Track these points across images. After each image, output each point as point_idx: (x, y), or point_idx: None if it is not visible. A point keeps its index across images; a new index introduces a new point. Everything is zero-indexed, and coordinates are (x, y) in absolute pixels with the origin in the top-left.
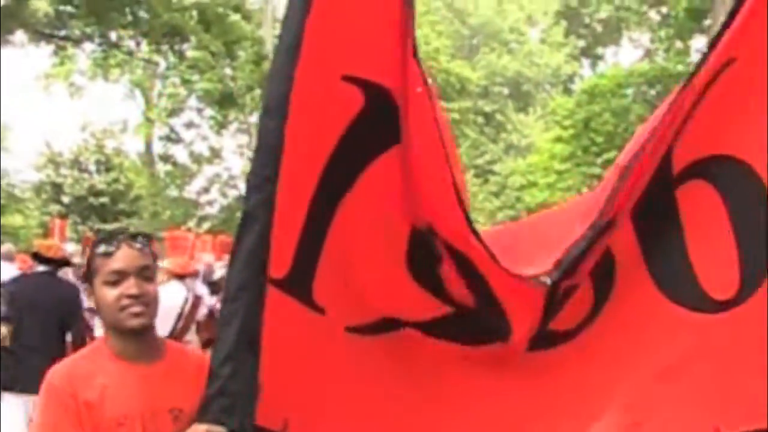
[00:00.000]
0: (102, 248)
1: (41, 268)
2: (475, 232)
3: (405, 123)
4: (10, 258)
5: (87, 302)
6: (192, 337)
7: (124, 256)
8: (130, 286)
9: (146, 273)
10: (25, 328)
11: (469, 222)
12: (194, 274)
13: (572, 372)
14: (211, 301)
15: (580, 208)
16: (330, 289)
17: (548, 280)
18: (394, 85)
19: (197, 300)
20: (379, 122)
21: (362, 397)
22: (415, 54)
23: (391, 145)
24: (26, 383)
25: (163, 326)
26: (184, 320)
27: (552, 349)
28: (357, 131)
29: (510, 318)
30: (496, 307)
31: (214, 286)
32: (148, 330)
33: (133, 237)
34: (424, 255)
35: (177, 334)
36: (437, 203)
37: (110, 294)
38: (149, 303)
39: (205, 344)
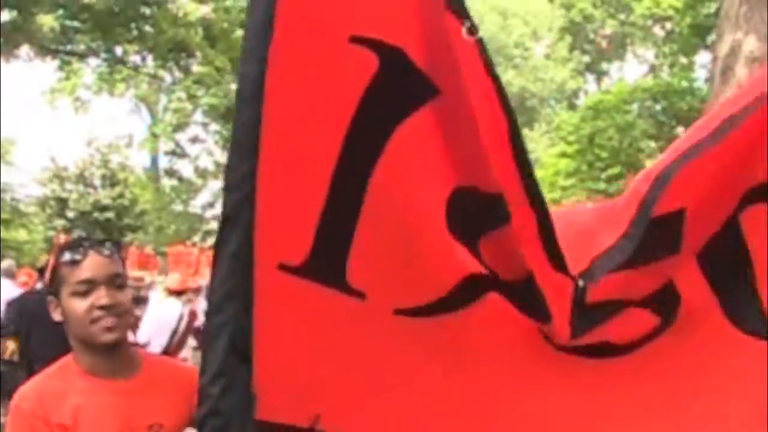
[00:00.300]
0: (68, 256)
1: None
2: (534, 197)
3: (438, 79)
4: (11, 274)
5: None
6: (187, 353)
7: (92, 264)
8: (100, 296)
9: (117, 281)
10: (32, 342)
11: (526, 183)
12: (195, 290)
13: (627, 386)
14: None
15: (603, 215)
16: (370, 269)
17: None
18: (410, 42)
19: (193, 316)
20: (399, 82)
21: (408, 384)
22: (449, 5)
23: (417, 105)
24: None
25: (158, 342)
26: (179, 337)
27: (604, 358)
28: (376, 96)
29: (548, 302)
30: (534, 285)
31: None
32: (121, 344)
33: (101, 243)
34: (465, 219)
35: (171, 351)
36: (487, 160)
37: (79, 306)
38: (122, 314)
39: None
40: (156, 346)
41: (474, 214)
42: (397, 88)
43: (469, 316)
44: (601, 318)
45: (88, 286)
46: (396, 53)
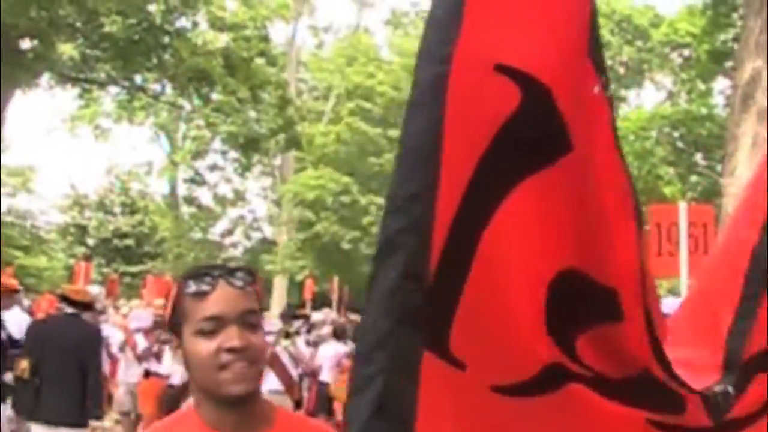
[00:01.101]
0: (192, 287)
1: (68, 309)
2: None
3: (573, 133)
4: (18, 301)
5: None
6: None
7: (222, 298)
8: (230, 337)
9: (251, 319)
10: (46, 363)
11: (642, 278)
12: None
13: None
14: None
15: (715, 284)
16: (470, 338)
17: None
18: (557, 84)
19: None
20: (537, 127)
21: None
22: (591, 52)
23: (548, 161)
24: (49, 415)
25: (184, 370)
26: None
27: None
28: (509, 138)
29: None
30: (653, 380)
31: None
32: (253, 396)
33: (233, 272)
34: (568, 306)
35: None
36: (608, 246)
37: (204, 347)
38: (256, 359)
39: None
40: (178, 376)
41: (579, 303)
42: (534, 134)
43: (548, 404)
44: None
45: (216, 325)
46: (541, 91)
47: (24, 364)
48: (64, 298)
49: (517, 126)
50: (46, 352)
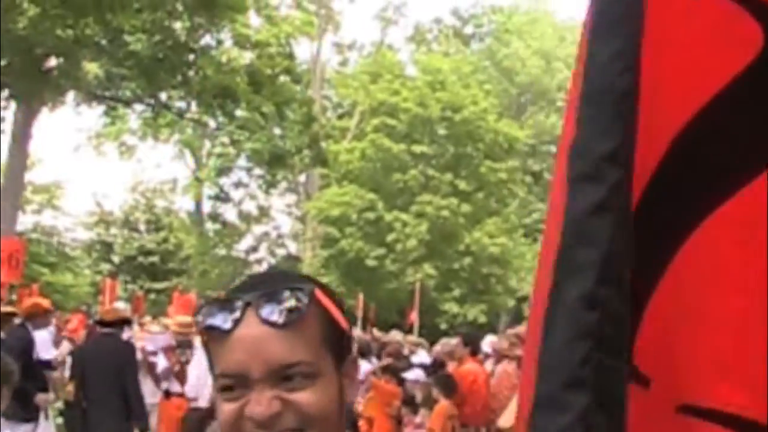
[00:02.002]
0: (208, 318)
1: (104, 330)
2: None
3: None
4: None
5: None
6: None
7: (249, 341)
8: (258, 401)
9: (296, 371)
10: (89, 384)
11: None
12: None
13: None
14: None
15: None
16: (657, 351)
17: None
18: None
19: None
20: None
21: None
22: None
23: None
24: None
25: (207, 393)
26: None
27: None
28: (740, 99)
29: None
30: None
31: None
32: None
33: (272, 296)
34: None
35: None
36: None
37: (226, 408)
38: (301, 425)
39: None
40: (205, 398)
41: None
42: None
43: None
44: None
45: (238, 381)
46: None
47: (70, 387)
48: (100, 323)
49: (753, 82)
50: (88, 373)
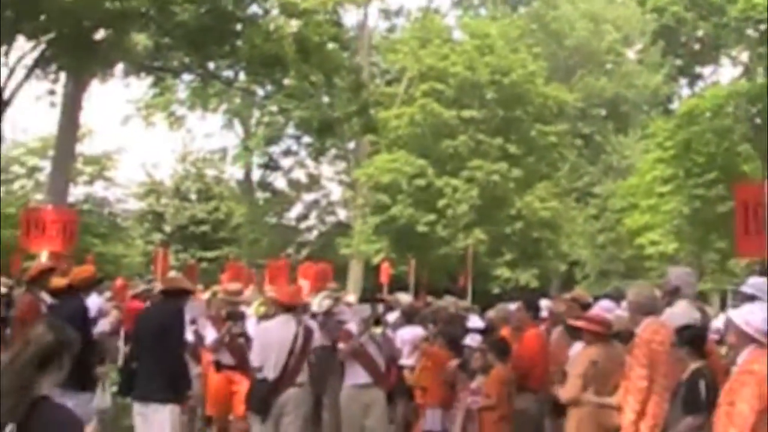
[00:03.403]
0: None
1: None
2: None
3: None
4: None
5: None
6: (303, 377)
7: None
8: None
9: None
10: (139, 347)
11: None
12: (305, 307)
13: None
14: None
15: None
16: None
17: None
18: None
19: (309, 335)
20: None
21: None
22: None
23: None
24: (143, 392)
25: (271, 365)
26: (297, 357)
27: None
28: None
29: None
30: None
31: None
32: None
33: None
34: None
35: (287, 377)
36: None
37: None
38: None
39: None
40: (269, 370)
41: None
42: None
43: None
44: None
45: None
46: None
47: (126, 350)
48: (164, 292)
49: None
50: (140, 336)
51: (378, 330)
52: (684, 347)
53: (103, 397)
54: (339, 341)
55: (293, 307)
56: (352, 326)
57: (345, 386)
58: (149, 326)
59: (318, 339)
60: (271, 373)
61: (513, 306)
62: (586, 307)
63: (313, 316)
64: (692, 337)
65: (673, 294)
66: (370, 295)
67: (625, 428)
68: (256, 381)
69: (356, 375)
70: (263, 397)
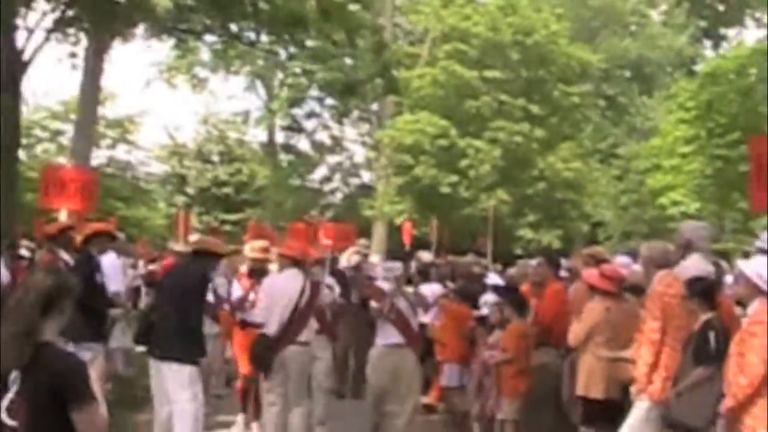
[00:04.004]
0: None
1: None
2: None
3: None
4: (126, 252)
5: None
6: (309, 335)
7: None
8: None
9: None
10: (161, 303)
11: None
12: (316, 262)
13: None
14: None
15: None
16: None
17: None
18: None
19: (316, 289)
20: None
21: None
22: None
23: None
24: (159, 350)
25: (275, 320)
26: (301, 314)
27: None
28: None
29: None
30: None
31: (341, 277)
32: None
33: None
34: None
35: (291, 332)
36: None
37: None
38: None
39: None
40: (273, 325)
41: None
42: None
43: None
44: None
45: None
46: None
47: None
48: (195, 252)
49: None
50: (163, 293)
51: (410, 289)
52: (694, 298)
53: (123, 338)
54: (370, 298)
55: (300, 262)
56: (384, 284)
57: (376, 345)
58: (173, 285)
59: (328, 295)
60: (273, 328)
61: (533, 262)
62: (603, 263)
63: (339, 273)
64: (703, 289)
65: (686, 248)
66: (392, 256)
67: (638, 380)
68: (258, 336)
69: (388, 334)
70: (262, 353)
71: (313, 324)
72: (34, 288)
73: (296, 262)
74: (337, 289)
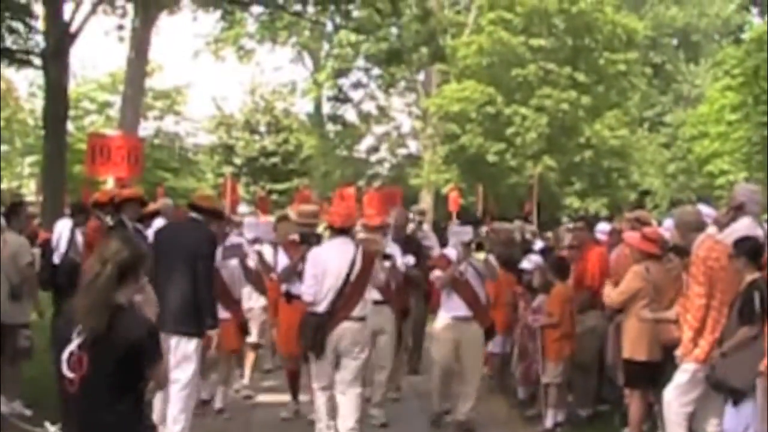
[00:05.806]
0: None
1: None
2: None
3: None
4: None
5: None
6: (363, 310)
7: None
8: None
9: None
10: (163, 269)
11: None
12: (378, 228)
13: None
14: (406, 262)
15: None
16: None
17: None
18: None
19: (369, 260)
20: None
21: None
22: None
23: None
24: (167, 324)
25: (329, 292)
26: (353, 286)
27: None
28: None
29: None
30: None
31: (407, 245)
32: None
33: None
34: None
35: (341, 306)
36: None
37: None
38: None
39: (398, 315)
40: (323, 302)
41: None
42: None
43: None
44: None
45: None
46: None
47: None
48: (192, 206)
49: None
50: (162, 256)
51: (480, 256)
52: (741, 258)
53: None
54: (433, 266)
55: (347, 230)
56: (451, 252)
57: (440, 316)
58: (175, 248)
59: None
60: (324, 304)
61: (566, 227)
62: (647, 226)
63: (411, 241)
64: (750, 249)
65: (738, 209)
66: (464, 221)
67: (684, 345)
68: (307, 314)
69: (453, 306)
70: (313, 332)
71: (371, 296)
72: (112, 260)
73: (343, 231)
74: (401, 259)
